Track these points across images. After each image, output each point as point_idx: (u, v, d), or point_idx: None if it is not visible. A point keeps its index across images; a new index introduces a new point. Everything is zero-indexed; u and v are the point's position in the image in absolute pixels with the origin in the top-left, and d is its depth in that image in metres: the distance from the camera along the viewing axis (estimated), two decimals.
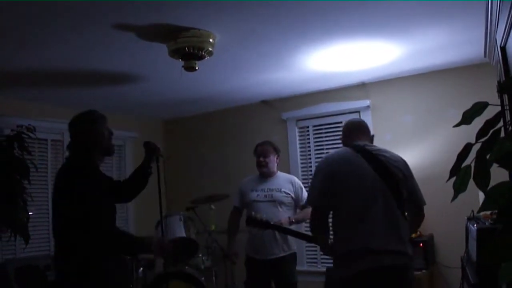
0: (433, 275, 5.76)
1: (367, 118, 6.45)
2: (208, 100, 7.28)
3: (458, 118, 1.79)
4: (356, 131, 3.78)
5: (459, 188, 1.66)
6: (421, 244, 5.51)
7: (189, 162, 8.27)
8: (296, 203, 5.37)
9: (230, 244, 5.52)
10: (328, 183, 3.45)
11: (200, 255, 6.37)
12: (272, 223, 4.18)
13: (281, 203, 5.27)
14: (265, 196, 5.30)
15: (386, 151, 3.56)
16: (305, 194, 5.25)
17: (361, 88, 6.63)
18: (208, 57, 4.61)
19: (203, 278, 5.84)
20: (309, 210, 3.95)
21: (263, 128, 7.44)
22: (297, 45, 4.94)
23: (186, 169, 8.23)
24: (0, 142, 5.65)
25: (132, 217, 7.66)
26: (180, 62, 4.65)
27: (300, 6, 3.95)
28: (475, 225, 3.93)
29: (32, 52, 4.72)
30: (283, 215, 5.15)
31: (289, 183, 5.43)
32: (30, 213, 5.66)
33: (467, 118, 1.75)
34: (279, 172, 5.55)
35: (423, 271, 5.42)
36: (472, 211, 4.56)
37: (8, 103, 6.27)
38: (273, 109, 7.36)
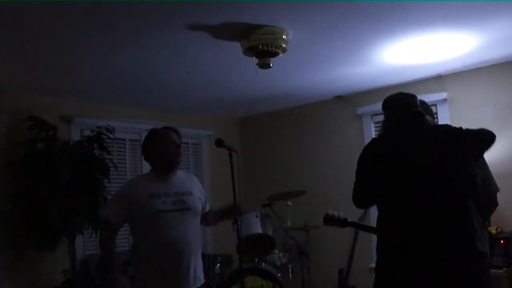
0: None
1: (444, 111, 6.32)
2: (283, 97, 7.28)
3: None
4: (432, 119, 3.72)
5: None
6: (502, 241, 5.34)
7: (265, 159, 8.31)
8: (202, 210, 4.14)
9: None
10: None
11: (277, 252, 6.40)
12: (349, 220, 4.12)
13: (196, 212, 3.97)
14: (174, 203, 3.78)
15: None
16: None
17: (438, 80, 6.49)
18: (281, 54, 4.61)
19: (279, 275, 5.87)
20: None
21: (338, 124, 7.39)
22: (371, 38, 4.88)
23: (262, 166, 8.27)
24: (81, 143, 5.83)
25: None
26: (254, 60, 4.67)
27: (373, 1, 3.91)
28: None
29: (108, 55, 4.85)
30: (197, 228, 3.98)
31: (195, 182, 4.20)
32: None
33: None
34: None
35: (504, 269, 5.25)
36: None
37: (88, 105, 6.47)
38: (348, 104, 7.30)
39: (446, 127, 3.44)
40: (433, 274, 2.98)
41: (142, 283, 3.68)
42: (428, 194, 3.10)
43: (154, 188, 3.75)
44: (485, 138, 3.32)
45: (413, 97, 3.54)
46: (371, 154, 3.46)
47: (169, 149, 3.83)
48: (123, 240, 6.46)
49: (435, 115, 6.09)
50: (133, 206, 3.66)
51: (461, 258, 3.00)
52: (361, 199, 3.45)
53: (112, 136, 5.96)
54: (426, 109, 3.70)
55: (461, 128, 3.31)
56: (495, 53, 5.64)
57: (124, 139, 6.77)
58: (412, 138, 3.31)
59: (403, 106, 3.47)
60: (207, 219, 4.22)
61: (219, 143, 3.71)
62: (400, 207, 3.21)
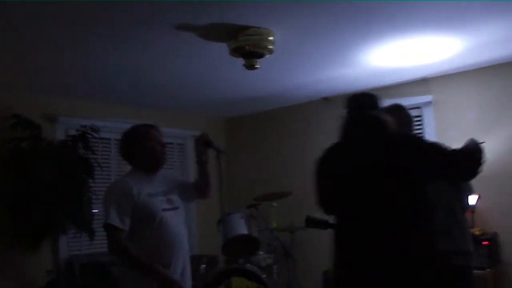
0: (497, 274, 5.61)
1: (429, 114, 6.36)
2: (270, 98, 7.29)
3: None
4: (409, 126, 3.69)
5: None
6: (485, 242, 5.38)
7: (251, 159, 8.31)
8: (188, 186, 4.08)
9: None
10: None
11: (262, 253, 6.40)
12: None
13: (182, 211, 3.85)
14: (167, 202, 3.67)
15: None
16: None
17: (423, 83, 6.52)
18: (268, 55, 4.62)
19: (264, 276, 5.87)
20: None
21: (324, 125, 7.39)
22: (358, 41, 4.90)
23: (248, 166, 8.26)
24: (65, 142, 5.81)
25: (194, 215, 7.73)
26: (241, 61, 4.67)
27: (360, 3, 3.92)
28: None
29: (94, 54, 4.84)
30: (185, 227, 3.85)
31: (172, 179, 4.03)
32: (95, 210, 5.79)
33: None
34: None
35: (487, 270, 5.30)
36: None
37: (73, 104, 6.44)
38: (334, 106, 7.31)
39: (405, 138, 3.34)
40: (389, 279, 2.93)
41: (136, 283, 3.46)
42: (371, 202, 3.02)
43: (148, 187, 3.58)
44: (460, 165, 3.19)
45: (369, 98, 3.45)
46: (322, 160, 3.41)
47: (155, 148, 3.67)
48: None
49: (416, 119, 6.14)
50: (134, 206, 3.46)
51: (416, 266, 2.92)
52: (326, 204, 3.40)
53: (97, 135, 5.94)
54: (396, 113, 3.68)
55: (422, 142, 3.21)
56: (480, 57, 5.68)
57: (109, 139, 6.74)
58: (360, 143, 3.23)
59: (358, 107, 3.40)
60: (199, 186, 3.97)
61: (207, 144, 3.71)
62: (346, 212, 3.19)
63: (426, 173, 2.99)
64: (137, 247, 3.40)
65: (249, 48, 4.42)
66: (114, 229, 3.40)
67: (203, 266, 6.32)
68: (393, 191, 2.96)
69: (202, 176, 3.89)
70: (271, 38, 4.46)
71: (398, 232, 2.93)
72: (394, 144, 3.11)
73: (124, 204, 3.45)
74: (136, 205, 3.47)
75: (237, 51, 4.52)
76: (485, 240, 5.39)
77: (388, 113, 3.61)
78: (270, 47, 4.51)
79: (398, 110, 3.72)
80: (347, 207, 3.17)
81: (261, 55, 4.56)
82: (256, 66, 4.67)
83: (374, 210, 2.99)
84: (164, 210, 3.57)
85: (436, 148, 3.06)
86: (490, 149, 5.87)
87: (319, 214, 4.07)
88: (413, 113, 6.09)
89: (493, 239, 5.59)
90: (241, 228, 5.93)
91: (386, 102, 6.70)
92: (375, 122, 3.24)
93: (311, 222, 4.08)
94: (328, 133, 7.15)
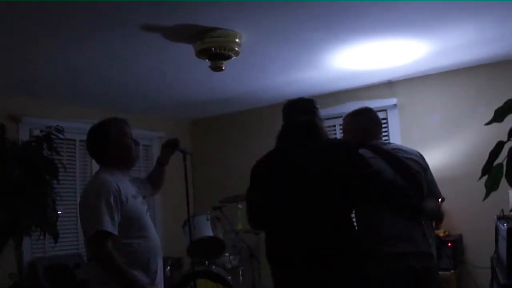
0: (461, 275, 5.70)
1: (394, 117, 6.42)
2: (235, 100, 7.29)
3: (487, 116, 1.78)
4: (378, 128, 3.70)
5: (491, 186, 1.64)
6: (449, 244, 5.45)
7: (217, 161, 8.28)
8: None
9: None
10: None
11: (227, 255, 6.40)
12: None
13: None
14: (144, 204, 3.47)
15: (401, 148, 3.52)
16: None
17: (388, 86, 6.59)
18: (234, 57, 4.62)
19: (230, 278, 5.86)
20: None
21: None
22: (323, 43, 4.92)
23: (213, 168, 8.23)
24: (29, 143, 5.73)
25: (159, 217, 7.70)
26: (207, 63, 4.67)
27: (326, 6, 3.94)
28: (505, 224, 3.89)
29: (59, 54, 4.77)
30: None
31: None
32: (59, 212, 5.73)
33: (498, 115, 1.73)
34: None
35: (451, 271, 5.37)
36: (502, 210, 4.52)
37: (38, 104, 6.36)
38: None
39: (335, 145, 3.35)
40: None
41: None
42: (302, 209, 3.05)
43: (128, 188, 3.28)
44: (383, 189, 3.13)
45: (304, 104, 3.45)
46: (254, 170, 3.48)
47: (130, 144, 3.40)
48: (72, 242, 6.39)
49: (382, 122, 6.19)
50: (123, 208, 3.12)
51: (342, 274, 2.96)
52: (254, 219, 3.45)
53: (61, 136, 5.86)
54: (365, 116, 3.69)
55: (350, 152, 3.20)
56: (444, 61, 5.76)
57: (74, 140, 6.67)
58: (290, 150, 3.27)
59: (292, 114, 3.42)
60: (152, 184, 3.85)
61: (175, 145, 3.69)
62: (275, 220, 3.21)
63: (348, 185, 3.02)
64: (123, 255, 3.04)
65: (215, 50, 4.41)
66: (107, 236, 3.00)
67: (168, 268, 6.29)
68: (320, 199, 3.00)
69: (159, 176, 3.85)
70: (237, 40, 4.46)
71: (326, 240, 2.97)
72: (323, 151, 3.15)
73: (114, 207, 3.07)
74: (125, 209, 3.14)
75: (203, 53, 4.51)
76: (449, 242, 5.46)
77: (358, 116, 3.65)
78: (237, 49, 4.51)
79: (367, 113, 3.73)
80: (274, 218, 3.21)
81: (227, 57, 4.56)
82: (222, 68, 4.66)
83: (300, 219, 3.04)
84: (147, 211, 3.37)
85: (360, 166, 3.09)
86: (454, 152, 5.99)
87: None
88: (379, 115, 6.17)
89: (457, 240, 5.67)
90: (207, 230, 5.94)
91: (352, 105, 6.82)
92: (306, 129, 3.26)
93: None
94: None
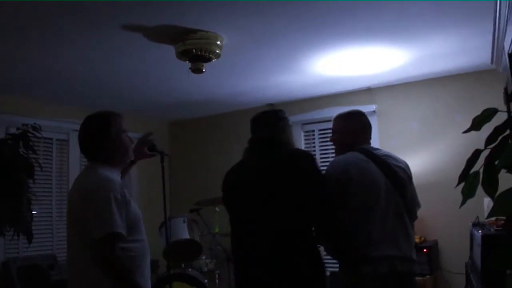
0: (437, 280, 5.75)
1: (372, 123, 6.37)
2: (215, 102, 7.28)
3: (464, 124, 1.79)
4: (369, 133, 3.70)
5: (467, 193, 1.65)
6: (425, 250, 5.49)
7: (195, 163, 8.26)
8: None
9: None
10: (343, 193, 3.26)
11: (204, 257, 6.38)
12: None
13: None
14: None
15: (391, 155, 3.53)
16: None
17: (367, 93, 6.63)
18: (215, 60, 4.62)
19: (206, 281, 5.85)
20: None
21: None
22: (304, 48, 4.93)
23: (191, 171, 8.21)
24: (5, 141, 5.67)
25: None
26: (188, 64, 4.65)
27: (308, 11, 3.96)
28: (480, 231, 3.92)
29: (38, 52, 4.73)
30: None
31: None
32: (34, 212, 5.67)
33: (476, 124, 1.74)
34: None
35: (427, 276, 5.41)
36: (477, 217, 4.56)
37: (14, 102, 6.29)
38: None
39: (293, 158, 3.31)
40: None
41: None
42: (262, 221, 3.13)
43: (124, 187, 3.03)
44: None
45: (267, 117, 3.52)
46: (224, 182, 3.51)
47: (128, 143, 3.21)
48: (47, 243, 6.33)
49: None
50: (126, 209, 2.91)
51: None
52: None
53: (38, 135, 5.81)
54: (357, 118, 3.70)
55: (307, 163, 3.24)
56: (423, 69, 5.81)
57: (51, 139, 6.61)
58: (253, 165, 3.35)
59: (254, 130, 3.52)
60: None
61: (151, 147, 3.65)
62: (240, 234, 3.29)
63: (305, 199, 3.09)
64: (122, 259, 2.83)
65: (196, 52, 4.41)
66: (119, 239, 2.80)
67: None
68: (279, 214, 3.07)
69: (125, 174, 3.55)
70: (218, 42, 4.46)
71: (285, 256, 3.03)
72: (281, 165, 3.21)
73: (121, 208, 2.87)
74: (129, 210, 2.94)
75: (184, 54, 4.50)
76: (425, 248, 5.51)
77: (350, 118, 3.66)
78: (218, 51, 4.51)
79: (360, 116, 3.72)
80: (238, 230, 3.30)
81: (208, 59, 4.55)
82: (203, 70, 4.66)
83: (261, 233, 3.11)
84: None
85: (318, 185, 3.16)
86: (431, 160, 6.04)
87: None
88: None
89: (433, 246, 5.71)
90: (183, 232, 5.91)
91: (331, 110, 6.84)
92: (267, 143, 3.35)
93: None
94: None
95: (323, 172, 3.37)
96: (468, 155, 1.68)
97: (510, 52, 3.26)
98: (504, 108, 3.10)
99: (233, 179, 3.44)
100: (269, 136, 3.36)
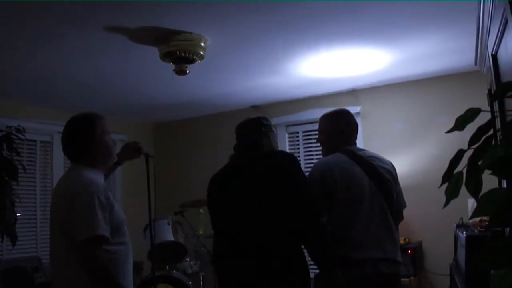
0: (421, 282, 5.77)
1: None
2: (199, 104, 7.26)
3: (448, 126, 1.79)
4: (355, 133, 3.69)
5: (451, 194, 1.65)
6: (409, 251, 5.51)
7: (179, 165, 8.25)
8: None
9: None
10: (327, 196, 3.29)
11: (188, 260, 6.37)
12: None
13: None
14: None
15: (376, 156, 3.53)
16: None
17: (351, 94, 6.64)
18: (199, 61, 4.60)
19: (190, 283, 5.83)
20: None
21: None
22: (288, 51, 4.94)
23: (175, 173, 8.19)
24: None
25: None
26: (171, 66, 4.64)
27: (291, 12, 3.96)
28: (464, 232, 3.93)
29: (21, 54, 4.70)
30: None
31: None
32: (18, 214, 5.63)
33: (459, 124, 1.74)
34: None
35: (411, 278, 5.43)
36: (461, 218, 4.57)
37: None
38: (263, 114, 7.34)
39: (277, 162, 3.32)
40: None
41: None
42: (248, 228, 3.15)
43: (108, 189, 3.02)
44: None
45: (250, 125, 3.60)
46: (210, 185, 3.58)
47: (112, 145, 3.20)
48: (31, 245, 6.29)
49: None
50: (110, 212, 2.90)
51: None
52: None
53: (22, 137, 5.77)
54: (345, 118, 3.70)
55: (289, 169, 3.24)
56: (407, 71, 5.83)
57: (35, 141, 6.57)
58: (238, 169, 3.44)
59: (239, 137, 3.62)
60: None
61: (137, 151, 3.62)
62: (224, 238, 3.33)
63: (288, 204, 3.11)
64: (107, 256, 2.85)
65: (180, 53, 4.40)
66: (103, 242, 2.80)
67: None
68: (264, 216, 3.10)
69: (108, 176, 3.53)
70: (202, 44, 4.45)
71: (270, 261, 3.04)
72: (265, 170, 3.24)
73: (105, 210, 2.85)
74: (113, 213, 2.93)
75: (167, 56, 4.49)
76: (409, 249, 5.53)
77: (337, 117, 3.65)
78: (201, 53, 4.50)
79: (347, 116, 3.71)
80: (222, 235, 3.35)
81: (191, 61, 4.54)
82: (187, 72, 4.65)
83: (245, 237, 3.14)
84: None
85: (302, 191, 3.17)
86: (415, 161, 6.06)
87: None
88: None
89: (417, 248, 5.74)
90: (168, 234, 5.90)
91: (316, 112, 6.84)
92: (251, 149, 3.45)
93: None
94: None
95: (307, 174, 3.38)
96: (451, 155, 1.68)
97: (493, 53, 3.27)
98: (488, 109, 3.12)
99: (218, 183, 3.48)
100: (253, 141, 3.44)
